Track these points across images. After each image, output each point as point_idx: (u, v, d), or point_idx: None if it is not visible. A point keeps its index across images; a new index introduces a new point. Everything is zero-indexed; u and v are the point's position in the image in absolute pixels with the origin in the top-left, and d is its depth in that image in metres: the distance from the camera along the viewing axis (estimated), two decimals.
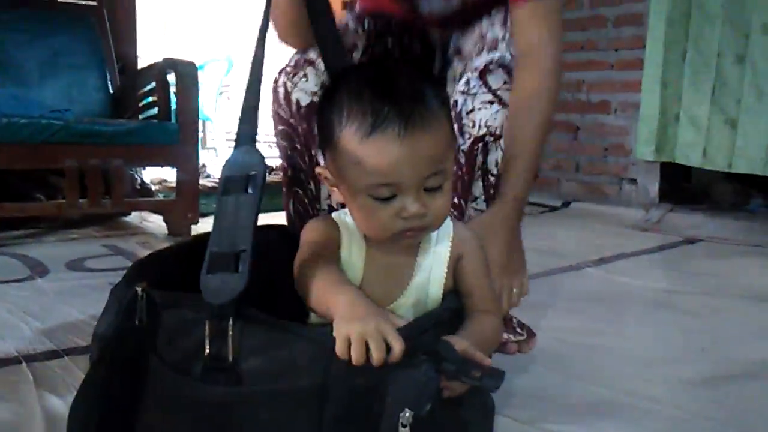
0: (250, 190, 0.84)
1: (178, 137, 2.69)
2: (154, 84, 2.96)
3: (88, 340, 1.49)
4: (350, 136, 0.83)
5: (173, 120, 2.82)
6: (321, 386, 0.76)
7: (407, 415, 0.72)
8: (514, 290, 1.21)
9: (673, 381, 1.39)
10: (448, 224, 0.95)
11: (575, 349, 1.55)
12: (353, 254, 0.92)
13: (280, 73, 1.36)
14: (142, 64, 3.54)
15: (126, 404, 0.87)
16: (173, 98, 2.87)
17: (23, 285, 1.97)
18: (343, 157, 0.85)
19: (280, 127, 1.36)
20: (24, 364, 1.36)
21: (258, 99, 0.92)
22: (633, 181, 3.72)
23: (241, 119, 0.90)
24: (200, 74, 3.09)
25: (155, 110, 2.96)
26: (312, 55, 1.33)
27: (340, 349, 0.74)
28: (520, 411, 1.20)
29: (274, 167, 3.52)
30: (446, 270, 0.94)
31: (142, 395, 0.86)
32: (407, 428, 0.72)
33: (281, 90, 1.35)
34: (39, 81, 3.01)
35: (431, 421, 0.73)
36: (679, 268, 2.47)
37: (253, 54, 0.94)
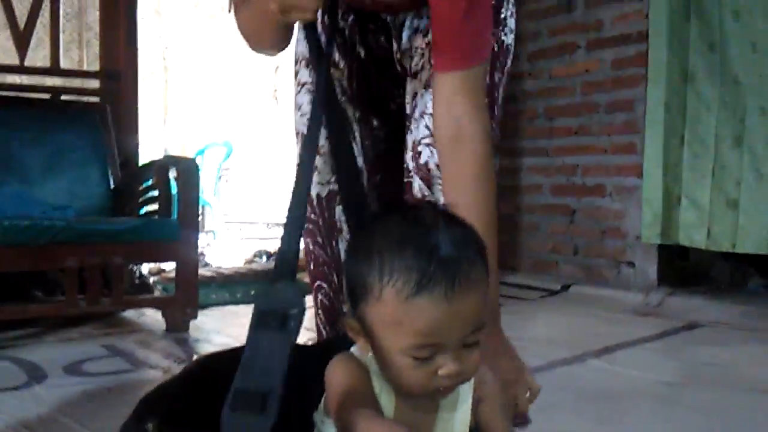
0: (288, 327, 0.80)
1: (178, 234, 2.71)
2: (154, 178, 3.00)
3: None
4: (393, 295, 0.78)
5: (174, 213, 2.85)
6: None
7: None
8: (520, 398, 1.17)
9: None
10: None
11: None
12: (383, 400, 0.86)
13: None
14: (142, 153, 3.60)
15: None
16: (174, 189, 2.91)
17: (21, 393, 1.95)
18: (382, 315, 0.80)
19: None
20: None
21: (302, 225, 0.90)
22: (631, 264, 3.73)
23: (281, 247, 0.87)
24: (200, 159, 3.14)
25: (156, 204, 2.99)
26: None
27: None
28: None
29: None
30: (470, 414, 0.90)
31: None
32: None
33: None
34: (41, 178, 3.04)
35: None
36: (681, 357, 2.46)
37: (297, 171, 0.92)
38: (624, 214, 3.73)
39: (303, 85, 1.41)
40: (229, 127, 7.05)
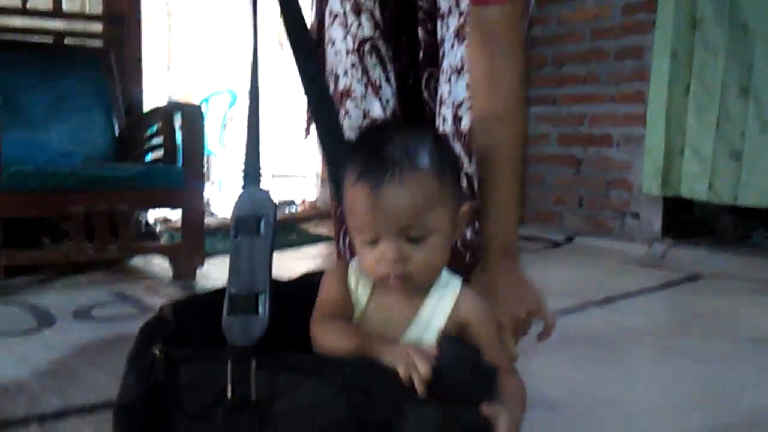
0: (262, 231, 0.85)
1: (184, 181, 2.72)
2: (159, 125, 3.00)
3: (98, 397, 1.52)
4: (347, 183, 0.91)
5: (179, 161, 2.86)
6: (342, 423, 0.78)
7: None
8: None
9: None
10: (456, 283, 0.97)
11: (581, 401, 1.56)
12: (359, 291, 0.95)
13: None
14: (146, 100, 3.58)
15: None
16: (179, 138, 2.91)
17: (31, 337, 1.99)
18: (344, 200, 0.93)
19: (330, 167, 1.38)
20: (35, 425, 1.38)
21: (259, 133, 0.93)
22: (636, 215, 3.73)
23: (245, 157, 0.92)
24: (204, 107, 3.13)
25: (161, 151, 2.99)
26: (343, 83, 1.36)
27: (404, 373, 0.78)
28: None
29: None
30: (443, 325, 0.95)
31: None
32: None
33: None
34: (45, 124, 3.04)
35: None
36: (683, 307, 2.48)
37: (249, 87, 0.95)
38: (630, 164, 3.72)
39: (335, 16, 1.36)
40: (233, 75, 6.99)
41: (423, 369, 0.78)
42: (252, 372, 0.80)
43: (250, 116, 0.94)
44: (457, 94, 1.26)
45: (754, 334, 2.12)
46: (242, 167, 0.91)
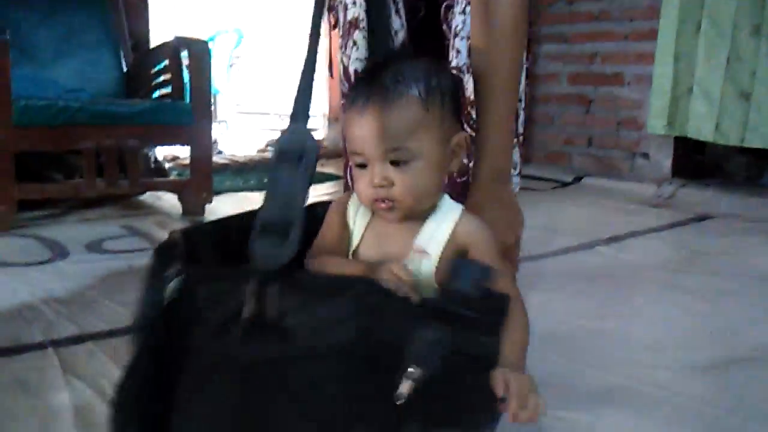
0: (302, 165, 0.87)
1: (192, 117, 2.72)
2: (166, 62, 2.98)
3: (111, 323, 1.56)
4: (345, 111, 0.98)
5: (186, 98, 2.85)
6: (354, 341, 0.82)
7: (411, 370, 0.80)
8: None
9: (680, 366, 1.42)
10: (455, 212, 1.00)
11: (585, 334, 1.59)
12: (357, 221, 0.99)
13: (338, 52, 1.39)
14: (153, 38, 3.56)
15: (169, 387, 0.90)
16: (186, 75, 2.90)
17: (45, 267, 2.02)
18: (343, 131, 1.00)
19: (342, 102, 1.38)
20: (50, 349, 1.41)
21: (314, 73, 0.93)
22: (646, 155, 3.72)
23: (297, 94, 0.93)
24: (210, 45, 3.11)
25: (168, 88, 2.99)
26: (352, 13, 1.35)
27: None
28: None
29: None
30: (441, 252, 0.97)
31: (185, 372, 0.88)
32: (412, 383, 0.80)
33: (340, 67, 1.37)
34: (53, 60, 3.03)
35: (438, 383, 0.81)
36: (689, 246, 2.49)
37: (310, 25, 0.96)
38: (642, 104, 3.69)
39: None
40: (239, 14, 6.90)
41: (404, 274, 0.85)
42: (272, 293, 0.82)
43: (308, 55, 0.94)
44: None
45: (760, 272, 2.13)
46: (293, 104, 0.92)
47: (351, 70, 1.35)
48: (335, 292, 0.85)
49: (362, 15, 1.31)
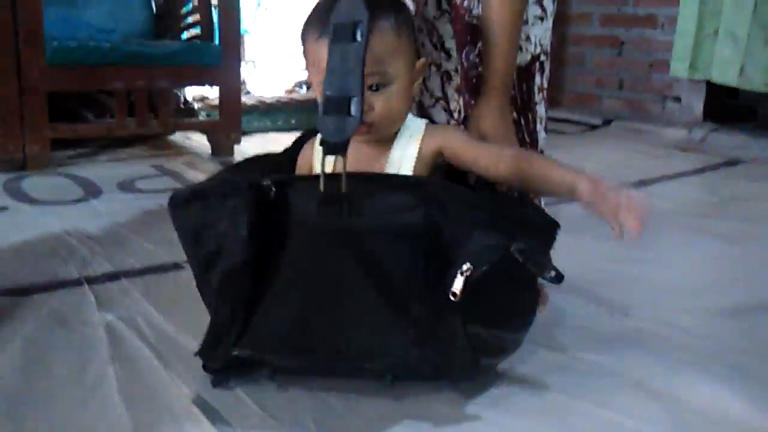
0: (357, 38, 0.92)
1: (221, 58, 2.73)
2: (195, 2, 2.98)
3: (144, 261, 1.61)
4: (308, 39, 1.02)
5: (216, 39, 2.85)
6: (418, 225, 0.92)
7: (466, 267, 0.90)
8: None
9: (704, 311, 1.42)
10: (419, 127, 1.07)
11: (610, 277, 1.59)
12: (326, 161, 1.01)
13: None
14: None
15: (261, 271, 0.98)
16: (215, 16, 2.89)
17: (79, 206, 2.07)
18: (306, 59, 1.04)
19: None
20: (85, 286, 1.46)
21: None
22: (677, 99, 3.65)
23: None
24: None
25: (197, 29, 2.98)
26: None
27: None
28: (554, 340, 1.26)
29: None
30: (414, 165, 1.05)
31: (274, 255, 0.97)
32: (462, 277, 0.90)
33: None
34: (85, 1, 3.03)
35: (486, 283, 0.91)
36: (719, 191, 2.47)
37: None
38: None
39: None
40: None
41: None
42: (342, 164, 0.91)
43: None
44: None
45: None
46: None
47: None
48: (406, 184, 0.95)
49: None
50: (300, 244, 0.96)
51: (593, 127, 3.71)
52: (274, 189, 0.95)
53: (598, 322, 1.36)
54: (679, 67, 3.42)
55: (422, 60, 1.08)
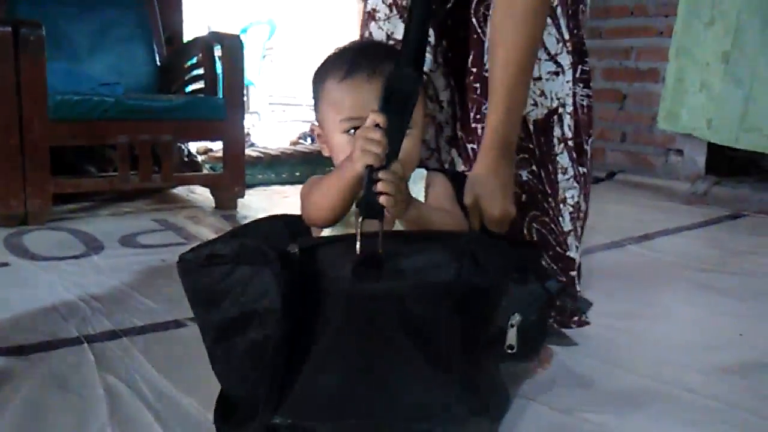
0: (405, 110, 0.96)
1: (224, 112, 2.75)
2: (200, 56, 3.02)
3: (145, 319, 1.59)
4: (331, 82, 1.04)
5: (219, 92, 2.88)
6: (455, 282, 0.93)
7: (517, 319, 0.94)
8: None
9: (709, 368, 1.41)
10: (421, 172, 1.12)
11: (615, 334, 1.57)
12: None
13: None
14: (186, 30, 3.59)
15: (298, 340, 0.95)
16: (218, 68, 2.93)
17: (80, 261, 2.06)
18: (326, 100, 1.05)
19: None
20: (85, 345, 1.44)
21: (428, 15, 1.00)
22: (680, 152, 3.67)
23: (407, 34, 0.99)
24: (243, 37, 3.14)
25: (201, 82, 3.02)
26: (371, 4, 1.37)
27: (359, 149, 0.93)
28: (558, 399, 1.24)
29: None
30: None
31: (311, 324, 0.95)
32: (514, 328, 0.95)
33: None
34: (88, 54, 3.08)
35: (534, 329, 0.95)
36: (722, 245, 2.46)
37: None
38: None
39: None
40: (271, 5, 6.93)
41: (375, 135, 0.91)
42: (379, 227, 0.91)
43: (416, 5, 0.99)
44: None
45: None
46: (401, 47, 0.99)
47: None
48: (440, 239, 0.97)
49: (379, 6, 1.36)
50: (336, 308, 0.94)
51: (597, 180, 3.72)
52: (299, 253, 0.94)
53: (603, 380, 1.34)
54: (662, 120, 3.43)
55: (428, 116, 1.12)
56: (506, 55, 1.15)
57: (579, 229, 1.42)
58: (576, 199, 1.37)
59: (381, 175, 0.91)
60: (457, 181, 1.16)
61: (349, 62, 1.02)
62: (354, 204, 0.98)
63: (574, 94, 1.35)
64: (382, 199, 0.91)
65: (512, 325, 0.94)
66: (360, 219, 0.91)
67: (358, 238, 0.90)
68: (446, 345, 0.94)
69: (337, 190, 0.98)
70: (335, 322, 0.93)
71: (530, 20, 1.16)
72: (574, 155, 1.36)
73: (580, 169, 1.39)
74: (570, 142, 1.34)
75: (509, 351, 0.95)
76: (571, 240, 1.38)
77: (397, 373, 0.93)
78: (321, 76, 1.07)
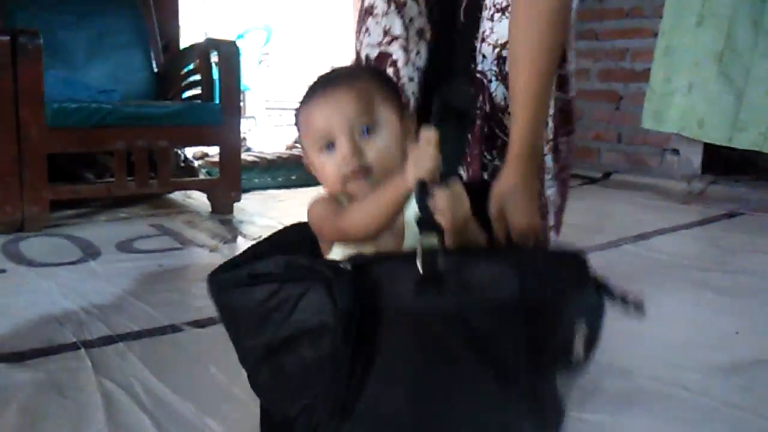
0: (462, 123, 0.96)
1: (221, 118, 2.76)
2: (196, 62, 3.02)
3: (142, 324, 1.59)
4: (300, 110, 1.06)
5: (216, 98, 2.89)
6: (520, 296, 0.91)
7: (584, 330, 0.94)
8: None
9: (706, 367, 1.41)
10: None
11: (610, 334, 1.56)
12: None
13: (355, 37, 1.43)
14: (183, 36, 3.60)
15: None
16: (215, 73, 2.93)
17: (77, 267, 2.06)
18: (301, 130, 1.07)
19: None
20: (82, 350, 1.44)
21: (475, 30, 1.02)
22: (675, 151, 3.68)
23: (459, 47, 1.02)
24: (239, 43, 3.15)
25: (198, 88, 3.03)
26: (367, 1, 1.37)
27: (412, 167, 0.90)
28: None
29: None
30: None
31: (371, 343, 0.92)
32: (581, 339, 0.93)
33: (356, 55, 1.41)
34: (86, 62, 3.09)
35: (595, 338, 0.95)
36: (718, 244, 2.46)
37: None
38: None
39: None
40: (268, 10, 6.94)
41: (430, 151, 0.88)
42: (438, 244, 0.88)
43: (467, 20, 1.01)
44: (500, 34, 1.25)
45: None
46: (454, 61, 1.01)
47: (363, 55, 1.37)
48: (501, 253, 0.98)
49: (377, 2, 1.36)
50: (398, 326, 0.91)
51: (593, 181, 3.73)
52: (352, 270, 0.91)
53: (600, 381, 1.34)
54: (645, 119, 3.44)
55: (410, 120, 1.08)
56: (531, 61, 1.14)
57: (560, 224, 1.44)
58: (554, 197, 1.39)
59: (436, 191, 0.90)
60: (473, 189, 1.14)
61: (310, 88, 1.05)
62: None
63: (555, 99, 1.36)
64: (437, 216, 0.89)
65: (578, 336, 0.93)
66: (420, 235, 0.89)
67: (419, 254, 0.88)
68: (513, 362, 0.92)
69: (385, 203, 0.95)
70: (398, 339, 0.91)
71: (553, 22, 1.15)
72: (554, 155, 1.38)
73: (556, 166, 1.40)
74: (551, 143, 1.35)
75: (573, 362, 0.93)
76: (552, 235, 1.41)
77: (465, 391, 0.92)
78: (296, 110, 1.09)
